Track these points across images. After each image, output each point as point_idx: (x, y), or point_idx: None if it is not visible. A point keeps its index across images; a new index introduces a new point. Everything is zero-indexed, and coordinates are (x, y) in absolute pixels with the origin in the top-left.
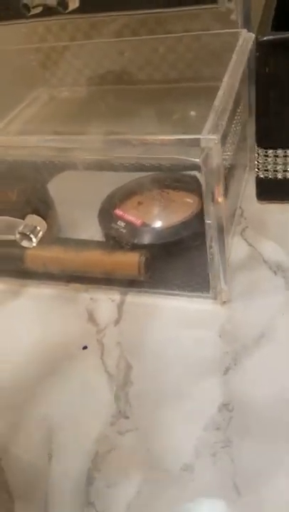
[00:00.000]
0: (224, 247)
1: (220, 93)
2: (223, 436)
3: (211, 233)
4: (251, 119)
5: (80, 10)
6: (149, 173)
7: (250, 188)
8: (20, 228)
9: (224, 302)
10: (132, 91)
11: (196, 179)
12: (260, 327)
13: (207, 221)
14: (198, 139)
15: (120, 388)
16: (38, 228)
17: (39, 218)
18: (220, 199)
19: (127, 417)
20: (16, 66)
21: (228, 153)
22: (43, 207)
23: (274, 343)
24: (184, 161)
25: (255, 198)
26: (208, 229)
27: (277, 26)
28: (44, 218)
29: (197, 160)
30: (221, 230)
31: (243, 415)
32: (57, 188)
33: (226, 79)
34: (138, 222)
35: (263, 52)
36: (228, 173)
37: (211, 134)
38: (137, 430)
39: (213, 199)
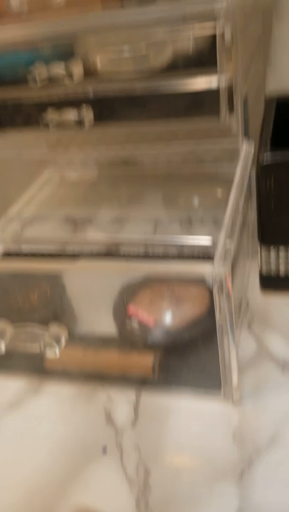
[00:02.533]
0: (235, 346)
1: (228, 213)
2: None
3: (222, 331)
4: (252, 204)
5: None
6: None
7: (254, 277)
8: (45, 338)
9: (235, 402)
10: (140, 175)
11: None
12: (272, 429)
13: (218, 321)
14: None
15: (141, 493)
16: (62, 338)
17: (62, 327)
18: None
19: None
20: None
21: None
22: (62, 307)
23: (286, 445)
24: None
25: (259, 288)
26: (219, 328)
27: (275, 139)
28: (63, 318)
29: (209, 275)
30: (231, 328)
31: None
32: (71, 277)
33: (232, 197)
34: (150, 320)
35: (265, 169)
36: (234, 264)
37: (223, 261)
38: None
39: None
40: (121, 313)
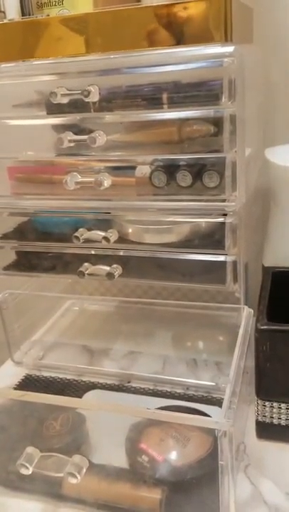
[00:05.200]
0: (234, 488)
1: (231, 372)
2: None
3: (223, 474)
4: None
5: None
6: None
7: (251, 422)
8: (68, 467)
9: None
10: (153, 313)
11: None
12: None
13: (220, 462)
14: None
15: None
16: (84, 468)
17: (84, 458)
18: (232, 449)
19: None
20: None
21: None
22: (82, 436)
23: None
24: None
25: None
26: (221, 471)
27: (271, 305)
28: (83, 446)
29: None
30: (232, 472)
31: None
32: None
33: (235, 359)
34: (160, 458)
35: (262, 336)
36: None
37: (227, 417)
38: None
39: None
40: (133, 447)
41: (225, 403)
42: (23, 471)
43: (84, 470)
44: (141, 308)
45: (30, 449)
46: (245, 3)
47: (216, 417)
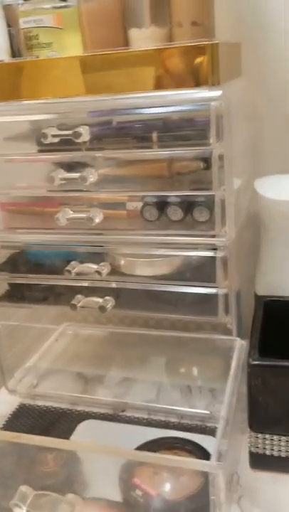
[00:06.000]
0: None
1: (223, 409)
2: None
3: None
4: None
5: None
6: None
7: (245, 450)
8: (62, 506)
9: None
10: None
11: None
12: None
13: (212, 497)
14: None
15: None
16: (76, 506)
17: (77, 497)
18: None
19: None
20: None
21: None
22: (76, 470)
23: None
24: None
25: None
26: (213, 504)
27: (264, 336)
28: (77, 481)
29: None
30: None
31: None
32: (80, 435)
33: (229, 387)
34: (154, 493)
35: (253, 371)
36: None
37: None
38: None
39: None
40: (126, 482)
41: (216, 446)
42: (17, 511)
43: (77, 508)
44: (134, 334)
45: (24, 488)
46: (233, 41)
47: (208, 461)
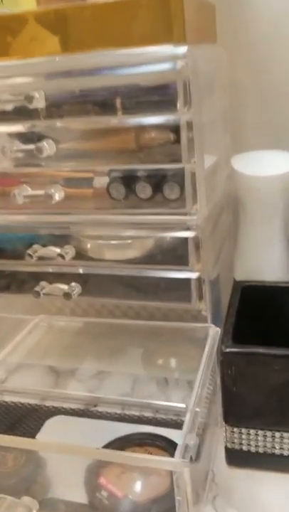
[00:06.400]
0: None
1: (192, 401)
2: None
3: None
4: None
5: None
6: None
7: (221, 445)
8: (17, 509)
9: None
10: (123, 326)
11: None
12: None
13: (177, 497)
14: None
15: None
16: (33, 510)
17: (32, 500)
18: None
19: None
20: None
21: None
22: (36, 471)
23: None
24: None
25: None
26: (178, 505)
27: (240, 323)
28: (37, 483)
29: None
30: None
31: None
32: (47, 433)
33: (199, 377)
34: (120, 494)
35: (226, 359)
36: (202, 432)
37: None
38: None
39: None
40: (92, 482)
41: (181, 441)
42: None
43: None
44: (110, 324)
45: None
46: (205, 1)
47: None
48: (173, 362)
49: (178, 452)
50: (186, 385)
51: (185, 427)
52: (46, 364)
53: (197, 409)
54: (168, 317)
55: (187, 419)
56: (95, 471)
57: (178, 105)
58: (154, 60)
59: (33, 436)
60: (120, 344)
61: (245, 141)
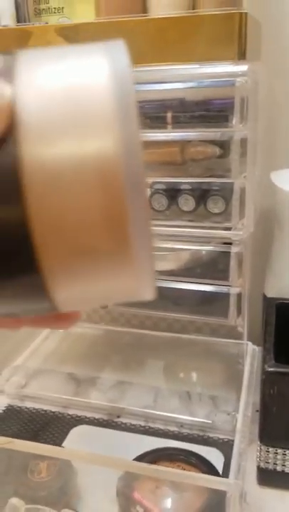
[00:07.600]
0: None
1: (238, 428)
2: None
3: None
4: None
5: None
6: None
7: (251, 464)
8: None
9: None
10: (142, 336)
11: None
12: None
13: None
14: None
15: None
16: None
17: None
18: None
19: None
20: None
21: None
22: (70, 482)
23: None
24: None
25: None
26: None
27: (277, 342)
28: (70, 494)
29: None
30: None
31: None
32: (73, 442)
33: (243, 396)
34: (156, 510)
35: (269, 379)
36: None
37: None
38: None
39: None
40: (126, 497)
41: (233, 463)
42: None
43: None
44: (131, 333)
45: (14, 500)
46: (256, 18)
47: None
48: (195, 376)
49: (232, 472)
50: (209, 401)
51: (236, 447)
52: (65, 371)
53: (245, 428)
54: (186, 330)
55: (237, 439)
56: (128, 486)
57: (234, 121)
58: (213, 76)
59: (58, 445)
60: (140, 355)
61: (279, 160)
